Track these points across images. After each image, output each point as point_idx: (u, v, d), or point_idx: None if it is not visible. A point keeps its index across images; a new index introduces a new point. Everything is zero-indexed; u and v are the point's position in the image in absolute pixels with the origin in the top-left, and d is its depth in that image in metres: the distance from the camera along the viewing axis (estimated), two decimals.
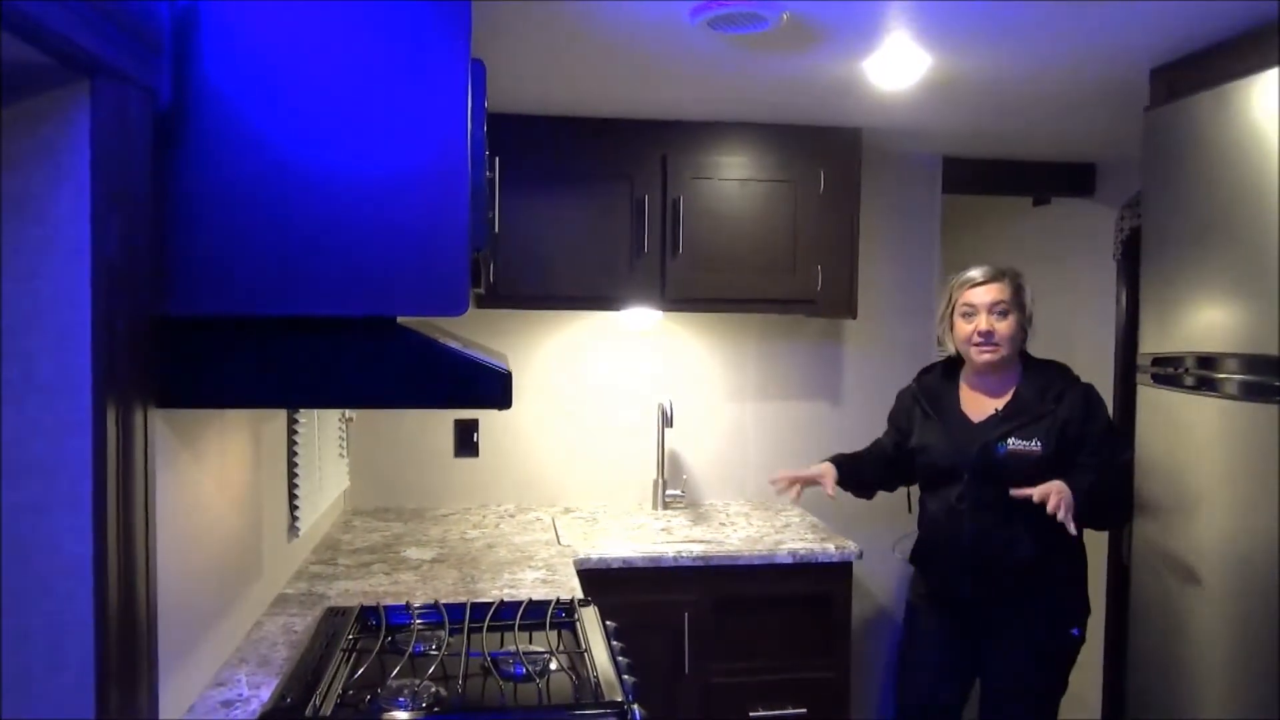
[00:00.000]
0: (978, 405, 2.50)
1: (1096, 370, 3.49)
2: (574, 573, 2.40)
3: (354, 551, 2.58)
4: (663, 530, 2.88)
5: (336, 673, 1.71)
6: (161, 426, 1.42)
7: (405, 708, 1.55)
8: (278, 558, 2.20)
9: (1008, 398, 2.47)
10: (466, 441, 3.17)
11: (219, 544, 1.75)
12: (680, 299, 2.83)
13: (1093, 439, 2.38)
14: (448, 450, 3.17)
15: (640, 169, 2.78)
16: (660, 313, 3.09)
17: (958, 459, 2.44)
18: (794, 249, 2.86)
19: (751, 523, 2.99)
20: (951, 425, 2.50)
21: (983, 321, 2.43)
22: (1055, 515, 2.20)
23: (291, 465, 2.29)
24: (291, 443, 2.29)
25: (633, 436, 3.20)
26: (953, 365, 2.62)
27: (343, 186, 1.36)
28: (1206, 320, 1.97)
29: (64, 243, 1.12)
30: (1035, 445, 2.37)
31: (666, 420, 3.04)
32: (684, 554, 2.60)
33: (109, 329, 1.15)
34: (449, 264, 1.38)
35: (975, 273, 2.48)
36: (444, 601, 2.09)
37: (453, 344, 1.50)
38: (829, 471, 2.59)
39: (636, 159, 2.78)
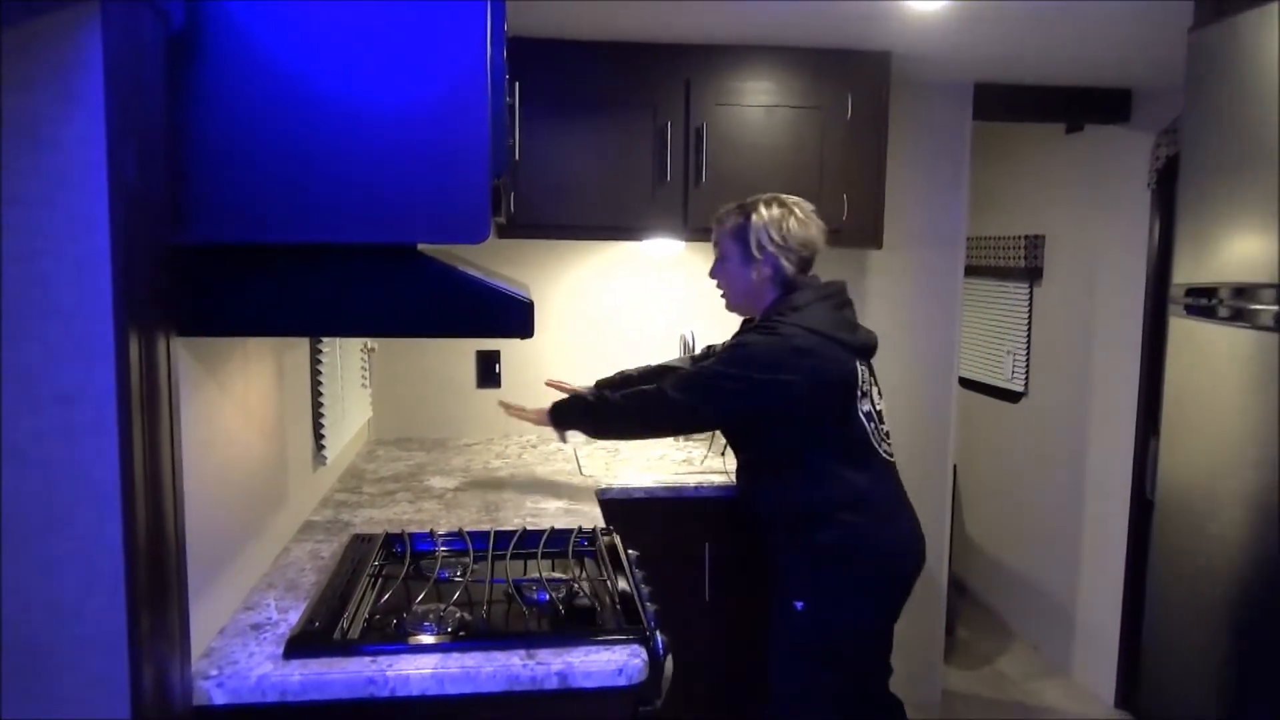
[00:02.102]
0: None
1: (1126, 302, 3.44)
2: (596, 503, 2.42)
3: (378, 480, 2.60)
4: (684, 460, 2.89)
5: (363, 597, 1.73)
6: (185, 355, 1.42)
7: (431, 631, 1.57)
8: (304, 486, 2.22)
9: None
10: (488, 373, 3.17)
11: (245, 471, 1.76)
12: (703, 228, 2.76)
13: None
14: (469, 381, 3.18)
15: (663, 95, 2.72)
16: (683, 243, 3.06)
17: None
18: (819, 178, 2.81)
19: None
20: None
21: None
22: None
23: (316, 395, 2.31)
24: (315, 373, 2.30)
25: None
26: None
27: (359, 111, 1.33)
28: (1244, 250, 1.91)
29: (79, 169, 1.10)
30: None
31: (689, 351, 3.02)
32: (705, 484, 2.61)
33: (128, 256, 1.14)
34: (469, 190, 1.36)
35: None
36: (468, 529, 2.11)
37: (474, 273, 1.48)
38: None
39: (659, 85, 2.72)
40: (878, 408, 2.27)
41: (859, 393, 2.21)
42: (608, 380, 2.70)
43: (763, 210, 2.22)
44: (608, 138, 2.73)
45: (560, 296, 3.16)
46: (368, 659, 1.47)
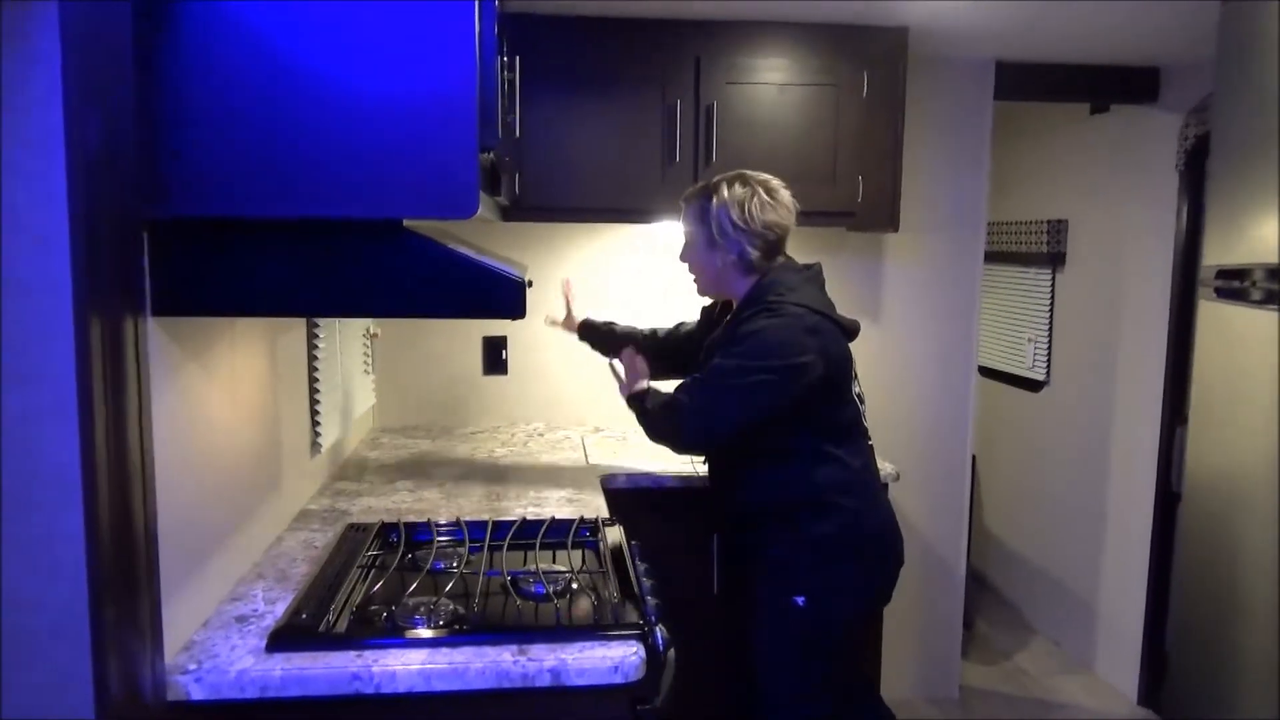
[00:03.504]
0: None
1: (1152, 288, 3.33)
2: (601, 492, 2.35)
3: (380, 468, 2.55)
4: None
5: (354, 588, 1.68)
6: (162, 336, 1.36)
7: (421, 624, 1.51)
8: (299, 473, 2.17)
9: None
10: (495, 359, 3.11)
11: (232, 457, 1.71)
12: None
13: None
14: (476, 368, 3.12)
15: (672, 73, 2.64)
16: None
17: None
18: (834, 158, 2.72)
19: None
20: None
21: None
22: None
23: (313, 381, 2.25)
24: (312, 358, 2.24)
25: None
26: None
27: (342, 81, 1.27)
28: (1277, 231, 1.82)
29: (36, 134, 1.04)
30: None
31: None
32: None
33: (90, 229, 1.08)
34: (456, 163, 1.29)
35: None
36: (467, 519, 2.05)
37: (464, 250, 1.42)
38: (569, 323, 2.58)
39: (668, 62, 2.64)
40: (862, 390, 2.22)
41: (853, 373, 2.15)
42: (595, 322, 2.59)
43: (724, 190, 2.08)
44: (615, 118, 2.65)
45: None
46: (353, 653, 1.41)
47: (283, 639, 1.44)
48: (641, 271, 3.11)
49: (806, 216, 2.75)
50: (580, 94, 2.63)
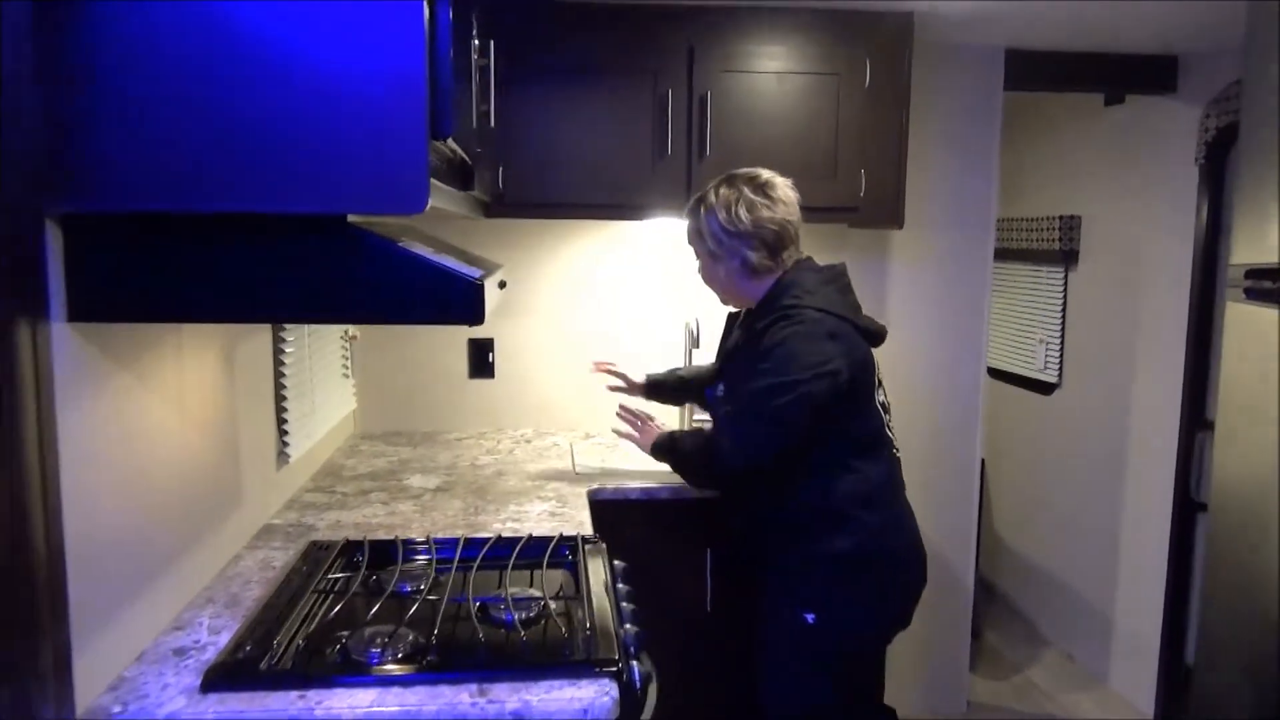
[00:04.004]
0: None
1: (1170, 287, 3.18)
2: (586, 505, 2.22)
3: (354, 478, 2.41)
4: None
5: (308, 615, 1.54)
6: (83, 344, 1.23)
7: (376, 658, 1.38)
8: (264, 486, 2.04)
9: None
10: (481, 362, 2.98)
11: (177, 473, 1.58)
12: None
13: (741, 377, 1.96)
14: (462, 371, 2.98)
15: (663, 61, 2.50)
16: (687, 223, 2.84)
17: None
18: (835, 151, 2.58)
19: None
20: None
21: None
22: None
23: (279, 388, 2.12)
24: (279, 363, 2.11)
25: (659, 357, 2.98)
26: None
27: (277, 61, 1.13)
28: None
29: None
30: (720, 390, 2.08)
31: (693, 341, 2.81)
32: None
33: None
34: (402, 154, 1.16)
35: None
36: (440, 535, 1.93)
37: (417, 249, 1.28)
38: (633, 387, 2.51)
39: (659, 50, 2.50)
40: (888, 399, 2.06)
41: (876, 380, 2.01)
42: (659, 377, 2.50)
43: (711, 198, 1.98)
44: (604, 108, 2.51)
45: (556, 281, 2.96)
46: (295, 694, 1.28)
47: (219, 677, 1.31)
48: (634, 270, 2.97)
49: (806, 212, 2.60)
50: (567, 83, 2.49)
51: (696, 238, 2.04)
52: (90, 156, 1.12)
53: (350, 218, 1.23)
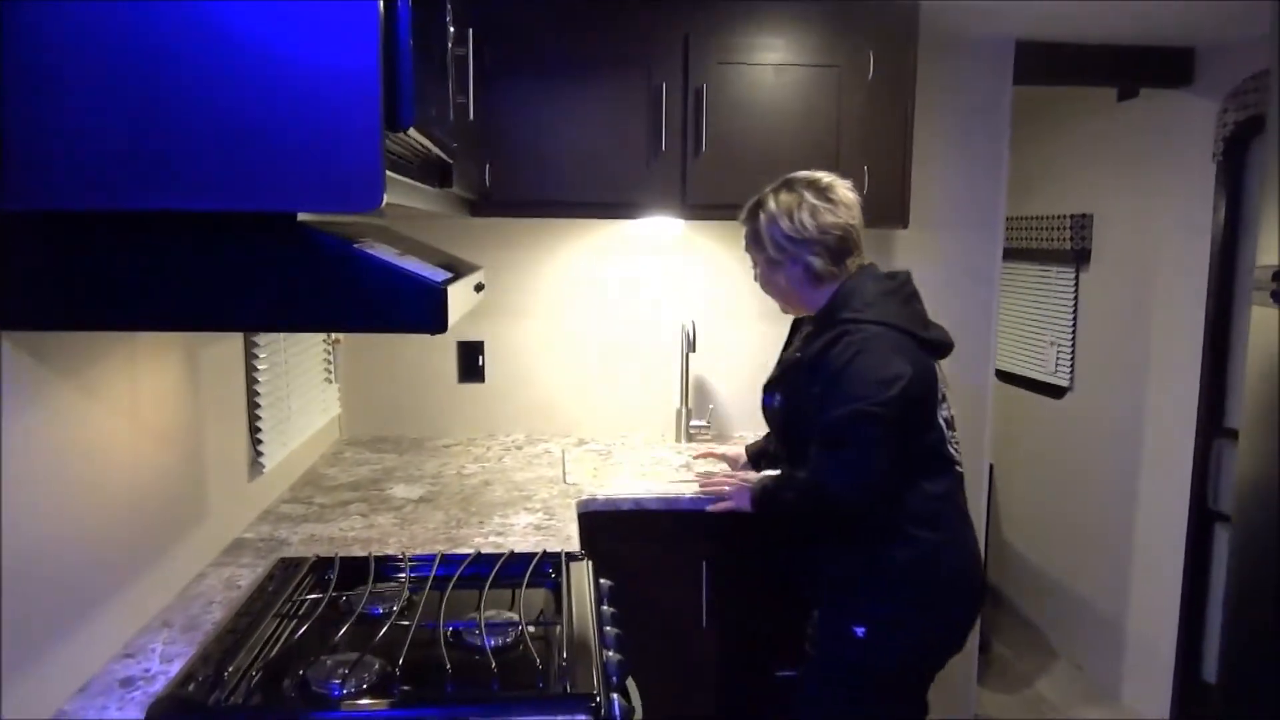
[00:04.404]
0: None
1: (1186, 288, 3.07)
2: (574, 518, 2.11)
3: (334, 489, 2.32)
4: (682, 466, 2.58)
5: (268, 641, 1.45)
6: (16, 353, 1.14)
7: (336, 692, 1.29)
8: (234, 498, 1.95)
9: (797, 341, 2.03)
10: (471, 366, 2.88)
11: (133, 488, 1.48)
12: (703, 204, 2.47)
13: (807, 406, 1.85)
14: (451, 375, 2.88)
15: (658, 52, 2.40)
16: (682, 221, 2.74)
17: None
18: (837, 146, 2.47)
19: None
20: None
21: None
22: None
23: (252, 395, 2.02)
24: (251, 369, 2.02)
25: (654, 361, 2.89)
26: None
27: (214, 49, 1.03)
28: None
29: None
30: (776, 401, 1.98)
31: (689, 344, 2.71)
32: (702, 495, 2.29)
33: None
34: (353, 147, 1.05)
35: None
36: (419, 550, 1.84)
37: (381, 250, 1.18)
38: (739, 459, 2.41)
39: (654, 41, 2.39)
40: (952, 413, 1.96)
41: (939, 395, 1.90)
42: (758, 446, 2.38)
43: (770, 204, 1.90)
44: (595, 102, 2.41)
45: (549, 282, 2.85)
46: None
47: (163, 714, 1.21)
48: (629, 271, 2.87)
49: None
50: (558, 75, 2.38)
51: (754, 244, 1.95)
52: (13, 152, 1.02)
53: (301, 217, 1.13)
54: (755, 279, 2.03)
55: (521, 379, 2.90)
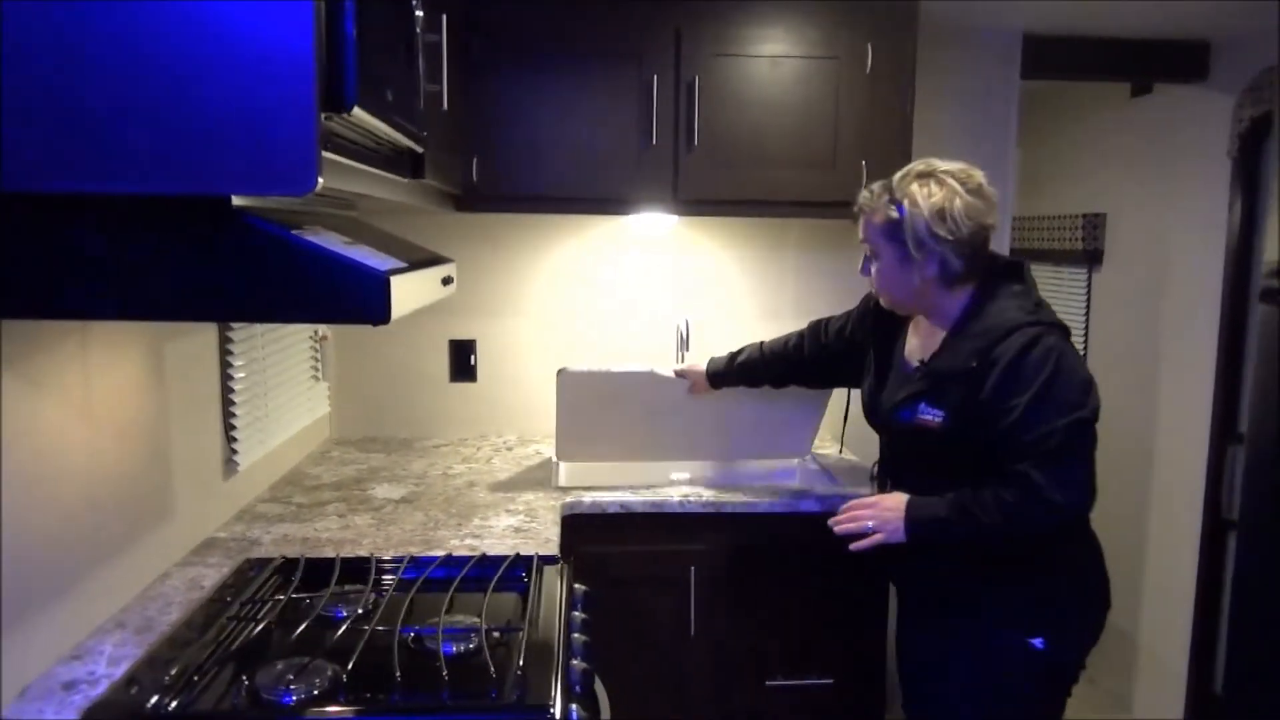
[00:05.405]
0: (921, 349, 1.83)
1: (1201, 289, 2.97)
2: (556, 520, 2.06)
3: (315, 488, 2.27)
4: (671, 469, 2.51)
5: (220, 644, 1.40)
6: None
7: (284, 698, 1.23)
8: (205, 497, 1.90)
9: (936, 346, 1.77)
10: (463, 364, 2.83)
11: (85, 485, 1.44)
12: (695, 200, 2.40)
13: (1002, 420, 1.62)
14: (443, 374, 2.84)
15: (649, 44, 2.33)
16: (675, 217, 2.68)
17: (876, 417, 1.89)
18: (834, 142, 2.40)
19: (780, 463, 2.61)
20: (880, 372, 1.91)
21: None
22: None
23: (226, 391, 1.98)
24: (225, 364, 1.97)
25: (648, 361, 2.82)
26: None
27: (134, 23, 0.98)
28: None
29: None
30: (935, 416, 1.70)
31: (683, 343, 2.65)
32: (691, 498, 2.23)
33: None
34: (285, 127, 1.00)
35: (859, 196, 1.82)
36: (394, 551, 1.79)
37: (314, 238, 1.13)
38: (698, 382, 2.33)
39: (645, 32, 2.33)
40: None
41: None
42: (719, 367, 2.30)
43: (918, 194, 1.68)
44: (586, 94, 2.35)
45: (541, 279, 2.80)
46: None
47: (97, 718, 1.16)
48: (623, 269, 2.81)
49: (800, 206, 2.47)
50: (545, 67, 2.33)
51: (886, 237, 1.72)
52: None
53: (239, 202, 1.08)
54: (866, 272, 1.81)
55: (514, 379, 2.84)
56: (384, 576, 1.65)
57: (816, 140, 2.40)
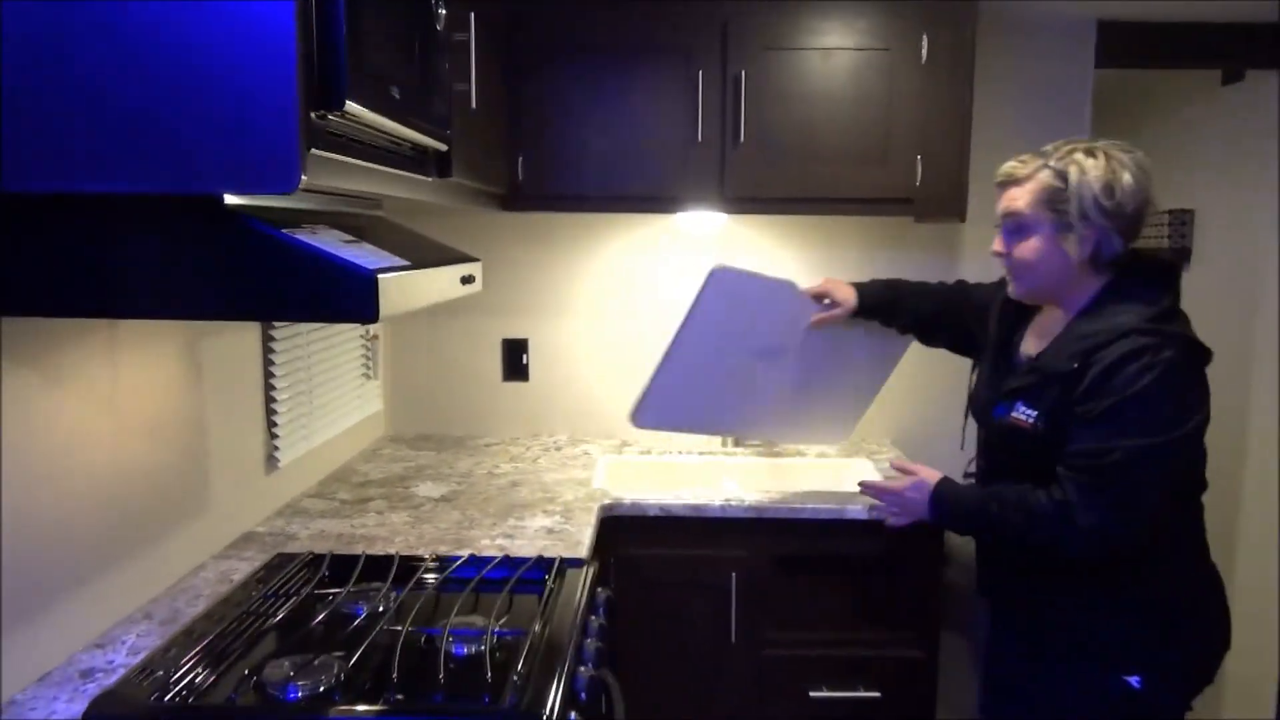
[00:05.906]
0: (1036, 344, 1.68)
1: None
2: (592, 523, 2.03)
3: (361, 485, 2.30)
4: (722, 472, 2.47)
5: (236, 637, 1.41)
6: None
7: (288, 694, 1.24)
8: (245, 492, 1.94)
9: (1045, 345, 1.64)
10: (515, 364, 2.83)
11: (113, 478, 1.48)
12: (743, 198, 2.36)
13: (1082, 423, 1.51)
14: (495, 373, 2.85)
15: (697, 39, 2.29)
16: (724, 215, 2.63)
17: (977, 411, 1.78)
18: (886, 136, 2.32)
19: (830, 467, 2.54)
20: (995, 363, 1.77)
21: (996, 240, 1.66)
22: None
23: (269, 389, 2.02)
24: (268, 362, 2.01)
25: None
26: None
27: (124, 16, 0.99)
28: None
29: None
30: (1029, 416, 1.58)
31: None
32: (733, 502, 2.18)
33: None
34: (268, 125, 1.00)
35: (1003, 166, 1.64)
36: (425, 549, 1.79)
37: (304, 237, 1.13)
38: (846, 300, 2.03)
39: (691, 27, 2.29)
40: None
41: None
42: (874, 293, 2.06)
43: (1085, 163, 1.53)
44: (631, 92, 2.32)
45: (593, 280, 2.78)
46: None
47: (104, 708, 1.19)
48: (677, 268, 2.76)
49: (851, 203, 2.40)
50: (591, 65, 2.31)
51: (1044, 203, 1.56)
52: None
53: (232, 201, 1.09)
54: (1004, 247, 1.64)
55: (565, 378, 2.83)
56: (407, 575, 1.65)
57: (866, 134, 2.33)
